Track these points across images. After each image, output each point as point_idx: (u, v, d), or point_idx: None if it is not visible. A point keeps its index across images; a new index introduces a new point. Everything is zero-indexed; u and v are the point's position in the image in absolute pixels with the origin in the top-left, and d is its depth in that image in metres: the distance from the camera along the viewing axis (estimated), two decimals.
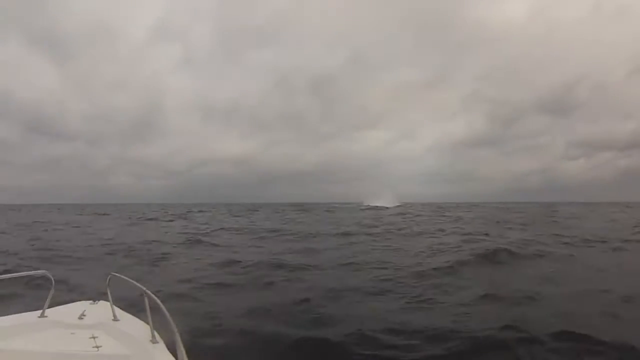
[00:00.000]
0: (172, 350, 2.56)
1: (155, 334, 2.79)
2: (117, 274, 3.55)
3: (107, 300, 3.59)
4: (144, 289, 2.93)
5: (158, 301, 2.69)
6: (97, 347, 2.74)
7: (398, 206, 66.67)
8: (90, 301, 3.85)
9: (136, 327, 3.10)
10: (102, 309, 3.57)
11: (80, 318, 3.30)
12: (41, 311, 3.24)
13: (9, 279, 3.28)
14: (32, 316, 3.19)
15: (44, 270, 3.41)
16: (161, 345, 2.68)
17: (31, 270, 3.41)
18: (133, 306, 3.53)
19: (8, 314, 3.18)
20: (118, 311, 3.43)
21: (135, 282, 3.12)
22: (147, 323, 2.90)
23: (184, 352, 1.98)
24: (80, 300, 3.89)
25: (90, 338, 2.89)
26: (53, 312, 3.34)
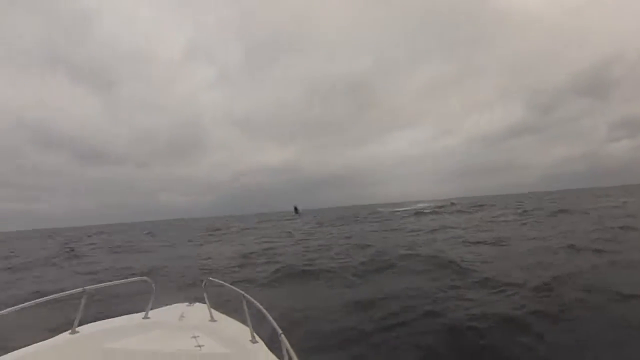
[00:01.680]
0: (273, 351, 2.56)
1: (255, 334, 2.81)
2: (213, 279, 3.66)
3: (203, 302, 3.70)
4: (242, 292, 2.96)
5: (257, 303, 2.70)
6: (199, 346, 2.81)
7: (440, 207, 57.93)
8: (187, 303, 3.97)
9: (234, 328, 3.14)
10: (199, 311, 3.67)
11: (181, 319, 3.41)
12: (144, 313, 3.40)
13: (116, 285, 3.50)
14: (137, 318, 3.35)
15: (145, 277, 3.56)
16: (261, 345, 2.69)
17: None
18: (229, 309, 3.61)
19: (115, 316, 3.36)
20: (215, 313, 3.51)
21: (231, 286, 3.18)
22: (246, 324, 2.94)
23: (292, 351, 1.89)
24: (177, 303, 4.01)
25: (192, 338, 2.97)
26: (155, 314, 3.48)
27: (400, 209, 52.10)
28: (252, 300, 2.81)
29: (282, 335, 2.02)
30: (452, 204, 53.83)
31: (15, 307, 2.49)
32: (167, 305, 3.90)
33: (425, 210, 38.98)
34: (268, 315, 2.44)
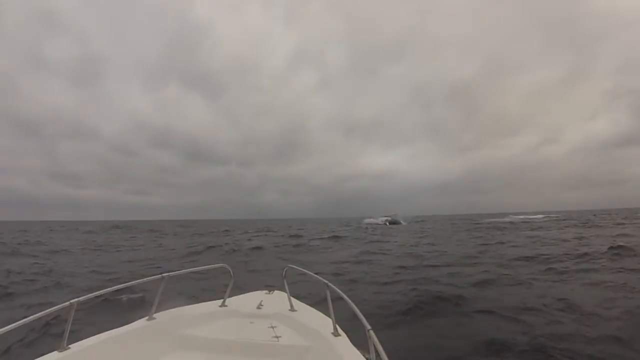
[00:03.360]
0: (356, 345, 2.28)
1: (338, 327, 2.52)
2: (294, 266, 3.43)
3: (282, 290, 3.52)
4: (326, 281, 2.68)
5: (343, 294, 2.40)
6: (277, 337, 2.62)
7: (546, 219, 51.19)
8: (266, 291, 3.84)
9: (315, 319, 2.89)
10: (278, 299, 3.51)
11: (259, 308, 3.27)
12: (222, 300, 3.31)
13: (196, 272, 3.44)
14: (214, 305, 3.26)
15: (223, 264, 3.45)
16: (344, 339, 2.40)
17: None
18: (309, 298, 3.39)
19: (195, 303, 3.30)
20: (295, 302, 3.31)
21: (315, 275, 2.93)
22: (328, 315, 2.68)
23: (381, 348, 1.61)
24: (256, 291, 3.91)
25: (269, 328, 2.81)
26: (233, 302, 3.38)
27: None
28: (337, 290, 2.55)
29: (371, 331, 1.77)
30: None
31: (95, 293, 2.48)
32: (246, 292, 3.81)
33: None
34: (354, 307, 2.16)
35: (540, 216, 60.27)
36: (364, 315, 1.98)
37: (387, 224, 55.89)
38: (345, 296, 2.37)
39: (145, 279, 2.83)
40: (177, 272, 3.05)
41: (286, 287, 3.45)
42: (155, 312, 2.80)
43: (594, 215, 53.11)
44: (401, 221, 57.58)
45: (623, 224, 30.40)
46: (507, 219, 57.39)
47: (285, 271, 3.51)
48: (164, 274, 2.85)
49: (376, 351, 1.65)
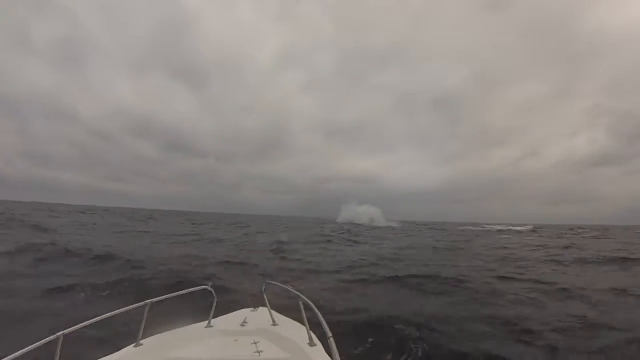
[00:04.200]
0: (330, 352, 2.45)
1: (313, 336, 2.72)
2: (271, 282, 3.61)
3: (265, 306, 3.66)
4: (298, 293, 2.89)
5: (312, 305, 2.64)
6: (259, 352, 2.76)
7: (532, 230, 52.60)
8: (251, 309, 3.97)
9: (294, 331, 3.06)
10: (262, 315, 3.64)
11: (243, 325, 3.39)
12: (207, 322, 3.42)
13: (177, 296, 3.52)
14: (200, 327, 3.37)
15: (205, 286, 3.56)
16: (319, 348, 2.60)
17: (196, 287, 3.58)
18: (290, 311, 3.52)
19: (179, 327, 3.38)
20: (277, 316, 3.46)
21: (289, 287, 3.11)
22: (304, 326, 2.86)
23: (337, 355, 1.84)
24: (241, 309, 4.03)
25: (252, 344, 2.94)
26: (218, 322, 3.49)
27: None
28: (308, 301, 2.74)
29: (331, 339, 1.95)
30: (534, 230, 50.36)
31: (84, 323, 2.53)
32: (233, 312, 3.92)
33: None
34: (321, 316, 2.36)
35: (519, 228, 61.26)
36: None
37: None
38: (313, 305, 2.60)
39: (128, 307, 2.88)
40: (160, 297, 3.13)
41: (267, 302, 3.60)
42: (142, 339, 2.89)
43: (571, 229, 54.65)
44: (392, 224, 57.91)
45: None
46: (479, 228, 59.30)
47: (265, 287, 3.67)
48: (147, 301, 2.95)
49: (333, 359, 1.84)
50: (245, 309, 3.99)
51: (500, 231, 49.07)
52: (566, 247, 20.55)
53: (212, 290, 3.52)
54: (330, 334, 2.00)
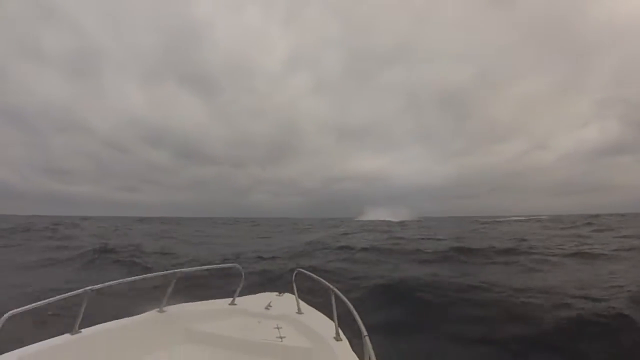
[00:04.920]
0: (356, 351, 2.32)
1: (340, 331, 2.57)
2: (303, 270, 3.47)
3: (292, 293, 3.57)
4: (331, 286, 2.75)
5: (345, 300, 2.48)
6: (281, 337, 2.68)
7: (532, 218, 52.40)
8: (276, 293, 3.90)
9: (320, 322, 2.93)
10: (287, 301, 3.56)
11: (267, 308, 3.32)
12: (232, 299, 3.37)
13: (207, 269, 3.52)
14: (223, 303, 3.33)
15: (235, 264, 3.54)
16: (345, 344, 2.46)
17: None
18: (318, 302, 3.40)
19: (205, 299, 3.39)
20: (302, 305, 3.36)
21: (321, 279, 2.97)
22: (332, 319, 2.72)
23: (372, 354, 1.68)
24: (266, 292, 3.98)
25: (275, 328, 2.86)
26: (242, 301, 3.44)
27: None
28: (341, 295, 2.60)
29: (367, 337, 1.81)
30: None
31: (113, 282, 2.58)
32: (257, 293, 3.87)
33: None
34: (355, 313, 2.22)
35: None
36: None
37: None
38: (348, 302, 2.44)
39: (157, 273, 2.93)
40: (188, 269, 3.14)
41: (295, 289, 3.51)
42: (166, 306, 2.89)
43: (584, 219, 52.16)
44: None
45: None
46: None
47: (295, 274, 3.56)
48: (176, 270, 2.96)
49: (370, 358, 1.70)
50: (271, 293, 3.93)
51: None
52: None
53: (240, 268, 3.48)
54: (365, 332, 1.87)
